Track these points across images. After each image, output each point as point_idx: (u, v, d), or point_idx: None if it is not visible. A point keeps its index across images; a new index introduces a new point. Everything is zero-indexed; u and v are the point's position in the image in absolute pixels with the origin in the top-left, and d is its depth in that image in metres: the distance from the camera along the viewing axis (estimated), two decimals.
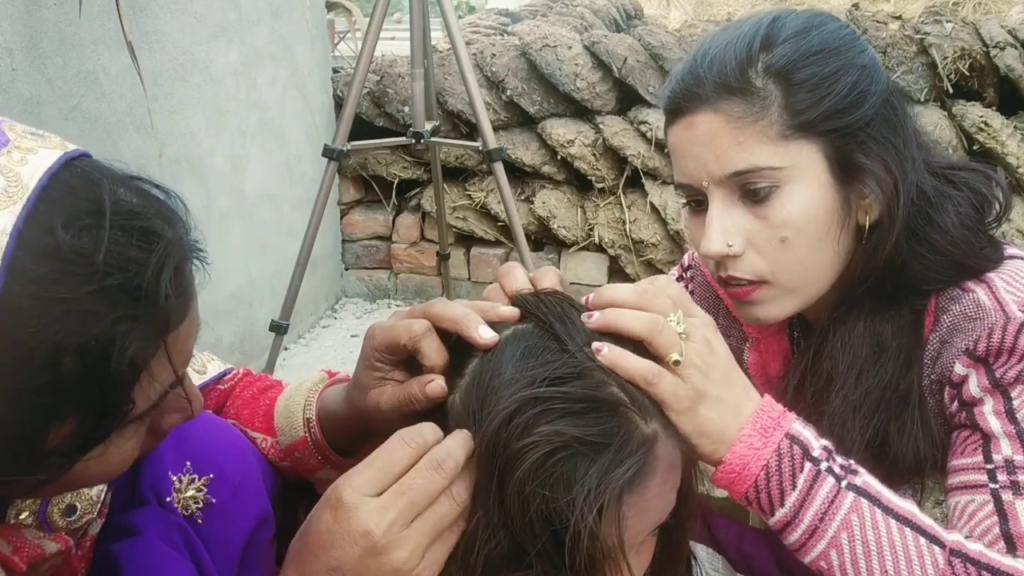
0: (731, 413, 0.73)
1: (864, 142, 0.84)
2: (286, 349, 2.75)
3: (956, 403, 0.84)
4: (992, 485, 0.77)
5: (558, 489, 0.62)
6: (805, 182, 0.84)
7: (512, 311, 0.72)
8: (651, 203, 2.82)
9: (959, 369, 0.82)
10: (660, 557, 0.75)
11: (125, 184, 0.60)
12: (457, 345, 0.72)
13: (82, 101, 1.72)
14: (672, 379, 0.69)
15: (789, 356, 1.02)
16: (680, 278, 1.19)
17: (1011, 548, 0.74)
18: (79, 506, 0.75)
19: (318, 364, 2.68)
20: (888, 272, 0.87)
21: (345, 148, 2.13)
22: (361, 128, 2.83)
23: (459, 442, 0.65)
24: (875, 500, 0.73)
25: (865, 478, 0.74)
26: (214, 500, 0.82)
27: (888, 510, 0.73)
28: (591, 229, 2.91)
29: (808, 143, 0.83)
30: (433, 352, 0.71)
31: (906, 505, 0.74)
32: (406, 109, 2.85)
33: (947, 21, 2.68)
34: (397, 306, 3.18)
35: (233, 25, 2.34)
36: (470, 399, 0.68)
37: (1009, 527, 0.75)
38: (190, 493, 0.81)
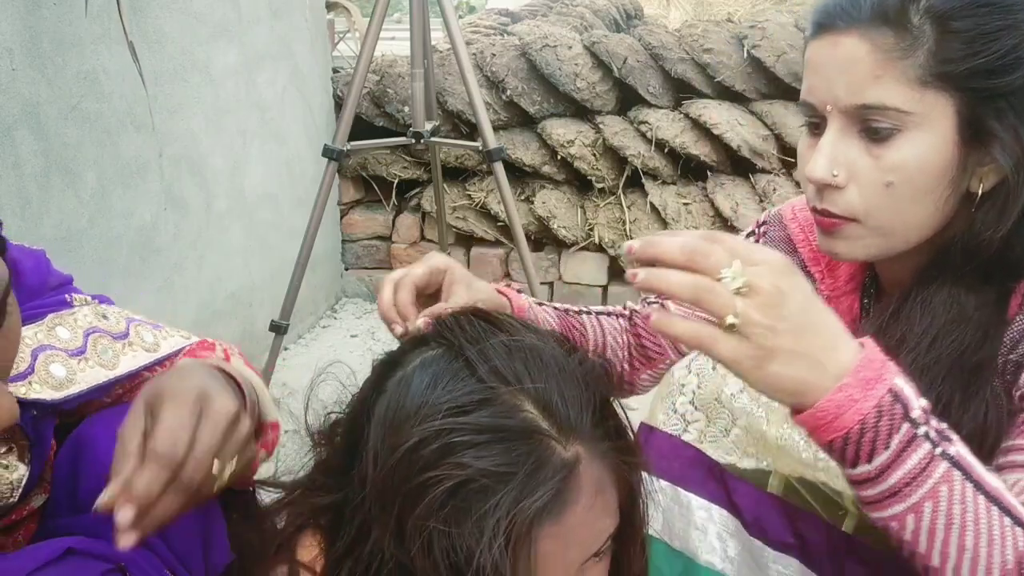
0: (808, 366, 0.66)
1: (1002, 109, 0.80)
2: (286, 349, 2.75)
3: None
4: None
5: (464, 524, 0.58)
6: (929, 133, 0.80)
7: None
8: (651, 203, 2.82)
9: None
10: None
11: None
12: (386, 364, 0.72)
13: (82, 101, 1.72)
14: (732, 340, 0.65)
15: (858, 320, 0.99)
16: (751, 233, 1.15)
17: None
18: None
19: (318, 364, 2.68)
20: (990, 247, 0.84)
21: (345, 148, 2.13)
22: (361, 128, 2.83)
23: None
24: (967, 473, 0.69)
25: (959, 447, 0.70)
26: None
27: (979, 485, 0.69)
28: (591, 229, 2.90)
29: (945, 95, 0.80)
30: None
31: (995, 482, 0.70)
32: (406, 109, 2.85)
33: None
34: None
35: (233, 25, 2.34)
36: (377, 436, 0.65)
37: None
38: None
